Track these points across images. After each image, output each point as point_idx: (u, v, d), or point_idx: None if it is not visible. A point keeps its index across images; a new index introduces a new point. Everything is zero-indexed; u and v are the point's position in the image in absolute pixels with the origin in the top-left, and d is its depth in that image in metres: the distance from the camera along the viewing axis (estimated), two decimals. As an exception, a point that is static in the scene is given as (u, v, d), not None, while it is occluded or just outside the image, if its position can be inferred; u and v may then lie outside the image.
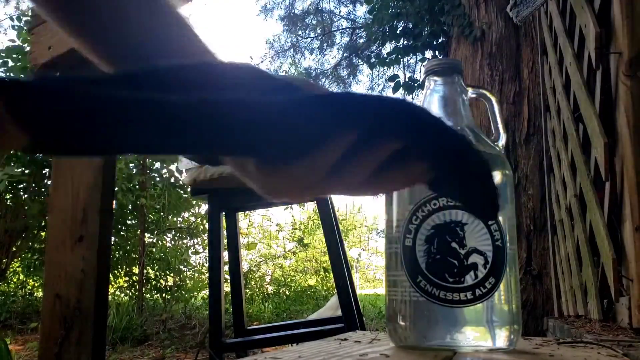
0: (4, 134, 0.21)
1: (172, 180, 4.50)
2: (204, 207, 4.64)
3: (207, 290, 1.76)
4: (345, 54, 7.65)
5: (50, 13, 0.42)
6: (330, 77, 7.89)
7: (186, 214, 5.02)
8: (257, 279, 6.07)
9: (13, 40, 4.19)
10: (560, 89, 1.88)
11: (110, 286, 4.26)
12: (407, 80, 4.20)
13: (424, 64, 0.70)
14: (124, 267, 4.58)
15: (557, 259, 2.15)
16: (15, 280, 4.90)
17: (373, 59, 4.59)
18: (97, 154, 0.30)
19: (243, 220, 6.08)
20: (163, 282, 4.54)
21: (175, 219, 4.88)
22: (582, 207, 1.64)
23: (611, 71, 1.31)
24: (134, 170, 4.30)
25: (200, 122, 0.26)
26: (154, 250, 4.63)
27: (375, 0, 4.22)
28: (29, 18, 3.76)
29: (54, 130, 0.22)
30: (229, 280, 1.90)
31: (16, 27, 4.28)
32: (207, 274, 1.71)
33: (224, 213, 1.81)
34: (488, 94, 0.69)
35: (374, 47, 5.38)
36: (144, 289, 4.41)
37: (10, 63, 4.06)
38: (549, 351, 0.59)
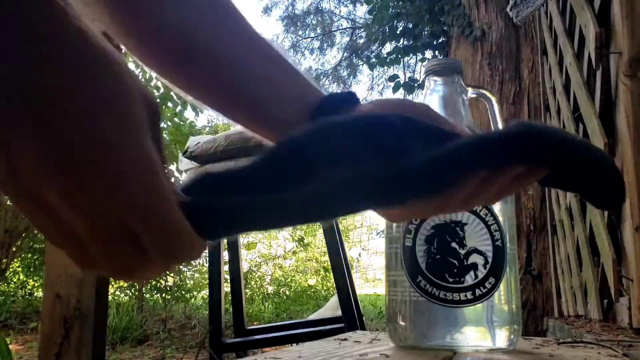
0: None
1: (172, 180, 4.49)
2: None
3: (207, 290, 1.76)
4: (345, 54, 7.65)
5: None
6: (331, 77, 7.89)
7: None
8: (257, 279, 6.07)
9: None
10: (560, 89, 1.88)
11: (110, 286, 4.26)
12: (407, 80, 4.20)
13: (424, 64, 0.70)
14: (124, 267, 4.57)
15: (557, 259, 2.15)
16: (15, 280, 4.90)
17: (373, 59, 4.59)
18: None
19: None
20: (163, 282, 4.53)
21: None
22: (582, 207, 1.64)
23: (611, 71, 1.31)
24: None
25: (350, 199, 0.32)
26: (154, 250, 4.61)
27: (375, 0, 4.22)
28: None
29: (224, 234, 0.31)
30: (229, 280, 1.90)
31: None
32: (207, 274, 1.71)
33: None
34: (488, 94, 0.69)
35: (374, 47, 5.38)
36: (143, 289, 4.41)
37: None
38: (549, 351, 0.59)
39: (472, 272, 0.57)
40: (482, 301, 0.57)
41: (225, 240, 1.83)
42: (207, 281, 1.66)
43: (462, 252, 0.58)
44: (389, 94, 6.69)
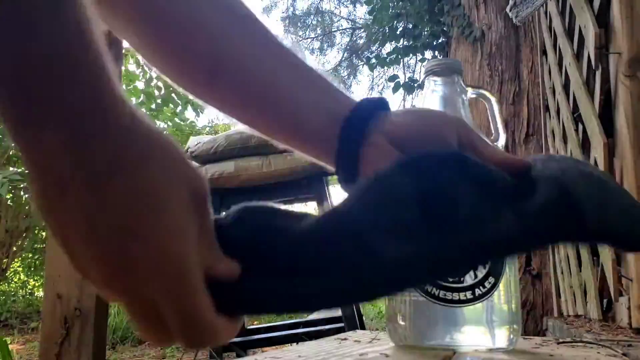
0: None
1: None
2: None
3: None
4: (345, 55, 7.65)
5: None
6: (331, 77, 7.87)
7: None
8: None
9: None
10: (560, 89, 1.88)
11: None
12: (407, 80, 4.20)
13: (423, 64, 0.70)
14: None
15: (557, 258, 2.15)
16: (15, 280, 4.90)
17: (373, 60, 4.60)
18: None
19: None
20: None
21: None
22: (581, 207, 1.64)
23: (611, 71, 1.31)
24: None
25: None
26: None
27: (375, 1, 4.22)
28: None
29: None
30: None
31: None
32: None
33: (223, 213, 1.81)
34: (488, 94, 0.69)
35: (374, 48, 5.38)
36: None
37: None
38: (548, 351, 0.59)
39: (471, 272, 0.57)
40: (482, 301, 0.57)
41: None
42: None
43: (462, 251, 0.58)
44: (389, 94, 6.69)
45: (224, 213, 0.33)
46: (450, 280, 0.57)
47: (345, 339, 0.72)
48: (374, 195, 0.31)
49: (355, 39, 7.55)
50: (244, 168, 1.80)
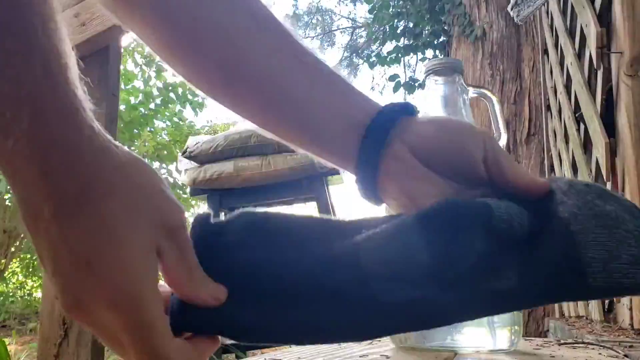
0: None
1: (171, 180, 4.50)
2: (203, 207, 4.64)
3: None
4: (345, 54, 7.65)
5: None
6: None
7: (185, 214, 5.01)
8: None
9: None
10: (561, 88, 1.87)
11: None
12: (407, 79, 4.20)
13: (424, 63, 0.69)
14: (124, 267, 4.57)
15: (558, 259, 2.14)
16: (14, 280, 4.90)
17: (373, 59, 4.59)
18: None
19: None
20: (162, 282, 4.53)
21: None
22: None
23: (612, 71, 1.30)
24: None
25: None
26: (153, 250, 4.61)
27: (375, 0, 4.21)
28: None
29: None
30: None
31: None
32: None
33: (223, 213, 1.81)
34: (489, 94, 0.68)
35: (375, 47, 5.38)
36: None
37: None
38: (549, 352, 0.58)
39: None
40: (483, 302, 0.56)
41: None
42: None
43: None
44: (389, 94, 6.69)
45: (223, 214, 0.33)
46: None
47: (345, 340, 0.71)
48: (391, 246, 0.30)
49: (355, 37, 7.55)
50: (243, 168, 1.80)
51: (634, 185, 1.15)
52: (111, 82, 1.11)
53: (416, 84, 4.05)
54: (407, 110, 0.38)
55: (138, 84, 4.92)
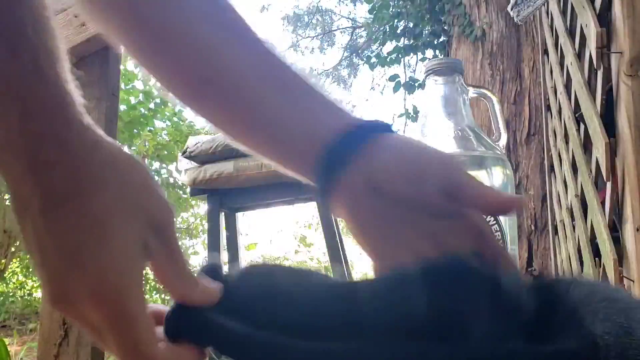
0: None
1: (171, 180, 4.50)
2: (203, 207, 4.64)
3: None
4: (345, 54, 7.65)
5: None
6: (331, 76, 7.89)
7: (185, 215, 5.01)
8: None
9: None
10: (561, 88, 1.87)
11: (110, 286, 4.25)
12: (407, 79, 4.20)
13: (424, 63, 0.69)
14: (124, 267, 4.57)
15: (558, 259, 2.14)
16: (14, 280, 4.90)
17: (373, 59, 4.59)
18: None
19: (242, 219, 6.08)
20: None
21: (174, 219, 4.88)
22: (583, 207, 1.64)
23: (612, 71, 1.30)
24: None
25: None
26: (153, 250, 4.62)
27: (375, 0, 4.21)
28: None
29: None
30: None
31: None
32: (207, 274, 1.71)
33: (223, 213, 1.81)
34: (489, 94, 0.68)
35: (375, 47, 5.38)
36: (143, 289, 4.40)
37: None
38: (550, 353, 0.58)
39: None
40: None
41: (225, 240, 1.83)
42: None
43: (463, 253, 0.57)
44: (389, 94, 6.69)
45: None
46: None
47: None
48: (381, 299, 0.30)
49: (355, 38, 7.55)
50: (243, 168, 1.80)
51: (634, 185, 1.15)
52: (111, 82, 1.11)
53: (416, 84, 4.05)
54: (374, 127, 0.37)
55: (138, 84, 4.93)
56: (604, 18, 1.35)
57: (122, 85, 4.62)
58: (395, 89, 4.07)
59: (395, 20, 4.15)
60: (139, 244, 0.27)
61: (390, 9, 4.13)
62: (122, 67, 3.53)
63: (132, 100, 4.79)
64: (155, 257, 0.29)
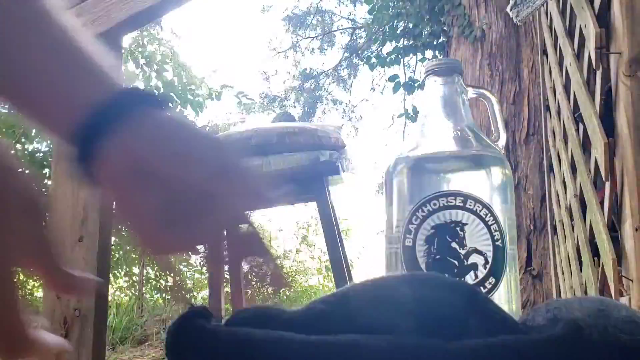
0: None
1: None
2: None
3: (207, 291, 1.76)
4: (345, 54, 7.65)
5: None
6: (331, 77, 7.89)
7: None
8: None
9: None
10: (560, 89, 1.88)
11: (110, 286, 4.26)
12: (407, 80, 4.20)
13: (424, 64, 0.69)
14: (124, 267, 4.58)
15: (557, 259, 2.15)
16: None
17: (373, 59, 4.60)
18: None
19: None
20: (163, 282, 4.54)
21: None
22: (582, 207, 1.64)
23: (611, 71, 1.30)
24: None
25: None
26: (154, 250, 4.63)
27: (375, 1, 4.22)
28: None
29: None
30: (228, 280, 1.90)
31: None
32: (207, 274, 1.71)
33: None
34: (488, 94, 0.69)
35: (374, 47, 5.38)
36: (144, 289, 4.41)
37: None
38: None
39: (472, 273, 0.57)
40: (482, 301, 0.57)
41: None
42: (207, 281, 1.66)
43: (462, 252, 0.57)
44: (389, 94, 6.69)
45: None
46: (451, 280, 0.57)
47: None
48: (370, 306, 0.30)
49: (355, 38, 7.55)
50: (243, 168, 1.80)
51: (633, 185, 1.16)
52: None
53: (416, 85, 4.05)
54: (145, 103, 0.35)
55: (138, 84, 4.93)
56: (603, 18, 1.35)
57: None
58: (395, 90, 4.08)
59: (395, 21, 4.16)
60: (6, 224, 0.28)
61: (390, 10, 4.14)
62: (122, 67, 3.52)
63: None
64: (25, 236, 0.29)
